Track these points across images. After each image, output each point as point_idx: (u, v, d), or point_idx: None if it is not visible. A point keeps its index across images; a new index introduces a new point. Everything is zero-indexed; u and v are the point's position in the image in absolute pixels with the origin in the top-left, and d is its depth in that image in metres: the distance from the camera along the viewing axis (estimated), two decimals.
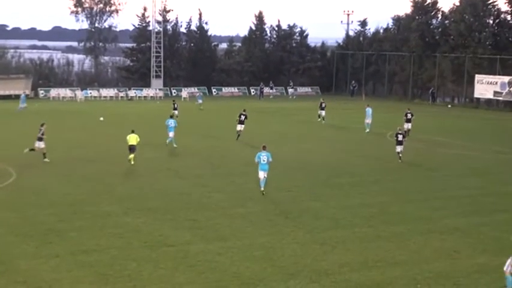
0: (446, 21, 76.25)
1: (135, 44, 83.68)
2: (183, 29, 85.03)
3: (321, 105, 52.83)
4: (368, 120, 46.73)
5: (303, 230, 21.54)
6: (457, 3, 74.48)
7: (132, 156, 32.53)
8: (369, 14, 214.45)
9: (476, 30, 71.25)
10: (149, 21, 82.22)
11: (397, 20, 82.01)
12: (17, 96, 69.15)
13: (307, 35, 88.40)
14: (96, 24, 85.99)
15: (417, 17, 77.25)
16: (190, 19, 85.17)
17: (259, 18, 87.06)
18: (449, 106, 71.65)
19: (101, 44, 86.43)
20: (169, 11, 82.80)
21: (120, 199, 25.59)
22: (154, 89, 76.84)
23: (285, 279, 17.11)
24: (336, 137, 45.46)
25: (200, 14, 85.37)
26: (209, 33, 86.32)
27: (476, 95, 70.71)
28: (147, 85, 78.55)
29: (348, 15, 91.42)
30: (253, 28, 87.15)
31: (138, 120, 52.14)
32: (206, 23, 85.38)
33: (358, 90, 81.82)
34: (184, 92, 75.99)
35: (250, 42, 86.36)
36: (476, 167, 34.61)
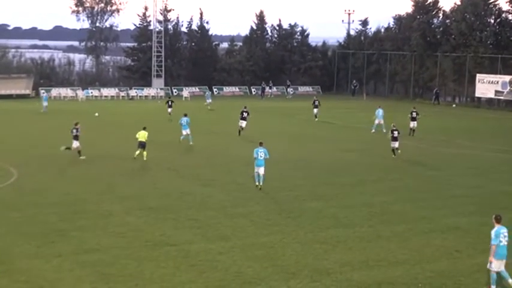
0: (448, 21, 76.24)
1: (136, 44, 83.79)
2: (184, 29, 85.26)
3: (314, 103, 54.61)
4: (378, 121, 46.39)
5: (304, 230, 21.56)
6: (458, 3, 74.46)
7: (141, 152, 33.44)
8: (370, 13, 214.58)
9: (478, 30, 71.20)
10: (150, 21, 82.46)
11: (398, 19, 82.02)
12: (18, 96, 69.43)
13: (308, 35, 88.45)
14: (97, 24, 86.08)
15: (418, 16, 77.24)
16: (191, 18, 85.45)
17: (260, 17, 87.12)
18: (454, 106, 71.50)
19: (102, 43, 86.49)
20: (170, 11, 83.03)
21: (121, 198, 25.62)
22: (156, 89, 76.91)
23: (287, 278, 17.13)
24: (337, 136, 45.47)
25: (201, 14, 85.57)
26: (210, 32, 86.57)
27: (478, 94, 70.70)
28: (148, 84, 78.60)
29: (349, 14, 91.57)
30: (254, 27, 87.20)
31: (139, 120, 52.18)
32: (207, 23, 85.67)
33: (359, 90, 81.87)
34: (185, 92, 76.07)
35: (251, 41, 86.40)
36: (477, 166, 34.61)
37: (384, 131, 45.63)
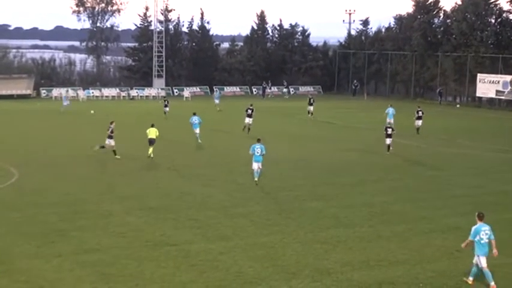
0: (448, 20, 76.17)
1: (137, 44, 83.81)
2: (184, 29, 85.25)
3: (309, 101, 55.40)
4: (389, 120, 46.20)
5: (305, 230, 21.55)
6: (459, 2, 74.36)
7: (151, 149, 33.83)
8: (371, 13, 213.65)
9: (478, 29, 71.14)
10: (151, 21, 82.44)
11: (399, 19, 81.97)
12: (19, 96, 69.44)
13: (309, 34, 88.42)
14: (98, 24, 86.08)
15: (419, 16, 77.17)
16: (192, 18, 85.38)
17: (261, 17, 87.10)
18: (458, 106, 71.32)
19: (102, 43, 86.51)
20: (171, 11, 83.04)
21: (121, 198, 25.62)
22: (156, 89, 76.90)
23: (287, 278, 17.12)
24: (338, 136, 45.44)
25: (202, 14, 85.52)
26: (211, 32, 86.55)
27: (479, 94, 70.61)
28: (149, 84, 78.62)
29: (350, 14, 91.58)
30: (255, 27, 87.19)
31: (139, 120, 52.20)
32: (208, 23, 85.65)
33: (360, 90, 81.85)
34: (186, 92, 76.08)
35: (252, 41, 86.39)
36: (478, 166, 34.58)
37: (394, 131, 45.53)
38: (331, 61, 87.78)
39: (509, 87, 67.03)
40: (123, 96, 75.04)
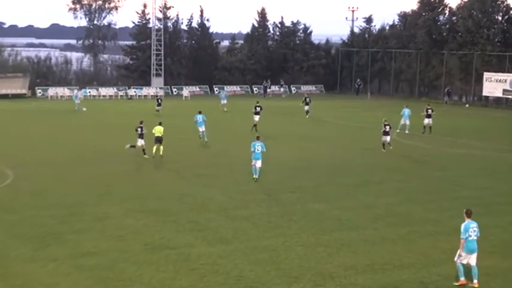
0: (454, 18, 76.15)
1: (134, 42, 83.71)
2: (184, 26, 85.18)
3: (305, 100, 56.08)
4: (404, 121, 46.10)
5: (307, 232, 21.54)
6: None
7: (158, 148, 34.48)
8: (374, 11, 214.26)
9: (485, 27, 71.14)
10: (149, 18, 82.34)
11: (403, 16, 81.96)
12: (14, 96, 69.46)
13: (311, 32, 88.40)
14: (95, 22, 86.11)
15: (424, 13, 77.19)
16: (191, 16, 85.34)
17: (262, 14, 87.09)
18: (467, 106, 71.18)
19: (100, 41, 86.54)
20: (169, 8, 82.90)
21: (120, 200, 25.61)
22: (155, 88, 76.87)
23: (289, 282, 17.12)
24: (341, 136, 45.45)
25: (201, 11, 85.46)
26: (211, 30, 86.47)
27: (485, 93, 70.57)
28: (147, 84, 78.59)
29: (353, 11, 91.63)
30: (256, 25, 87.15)
31: (137, 120, 52.25)
32: (208, 20, 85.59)
33: (363, 89, 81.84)
34: (186, 91, 76.07)
35: (253, 39, 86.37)
36: (485, 166, 34.57)
37: (407, 132, 45.60)
38: (334, 59, 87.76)
39: None
40: (121, 96, 75.04)
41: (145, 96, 75.11)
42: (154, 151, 34.59)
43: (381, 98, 77.23)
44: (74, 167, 32.27)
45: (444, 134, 45.94)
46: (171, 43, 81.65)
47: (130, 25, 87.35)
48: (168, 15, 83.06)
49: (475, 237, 17.00)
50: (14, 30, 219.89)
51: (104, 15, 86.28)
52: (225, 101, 60.12)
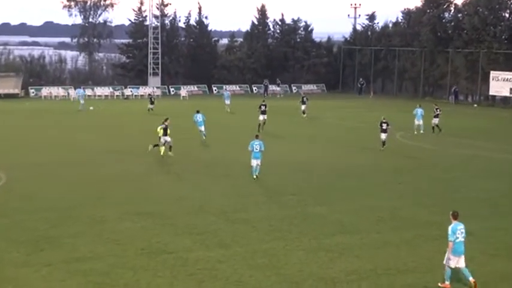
0: (460, 15, 76.09)
1: (131, 40, 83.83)
2: (181, 24, 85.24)
3: (302, 99, 56.58)
4: (418, 122, 46.21)
5: (308, 236, 21.55)
6: None
7: (165, 148, 34.97)
8: (377, 8, 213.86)
9: (492, 24, 71.09)
10: (146, 16, 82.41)
11: (407, 13, 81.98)
12: (7, 96, 69.48)
13: (312, 30, 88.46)
14: (90, 19, 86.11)
15: (428, 10, 77.15)
16: (189, 13, 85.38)
17: (262, 12, 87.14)
18: (475, 106, 71.12)
19: (95, 39, 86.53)
20: (167, 5, 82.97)
21: (116, 203, 25.62)
22: (152, 88, 76.86)
23: (290, 287, 17.15)
24: (343, 136, 45.47)
25: (200, 8, 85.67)
26: (209, 28, 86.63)
27: (492, 92, 70.57)
28: (144, 83, 78.63)
29: (355, 8, 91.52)
30: (256, 22, 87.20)
31: (133, 121, 52.32)
32: (206, 18, 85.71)
33: (366, 88, 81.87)
34: (183, 91, 76.07)
35: (253, 37, 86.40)
36: (491, 168, 34.58)
37: (422, 131, 45.67)
38: (336, 58, 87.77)
39: None
40: (117, 96, 75.03)
41: (142, 96, 75.00)
42: (162, 151, 35.11)
43: (384, 97, 77.28)
44: (68, 169, 32.27)
45: (450, 135, 45.96)
46: (168, 41, 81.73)
47: (127, 23, 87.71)
48: (166, 12, 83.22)
49: (463, 239, 17.20)
50: (7, 28, 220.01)
51: (99, 12, 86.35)
52: (228, 102, 59.44)
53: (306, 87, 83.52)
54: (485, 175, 32.69)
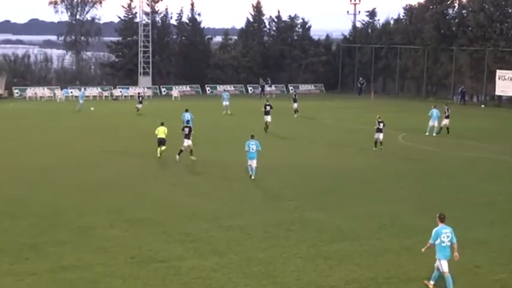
0: (464, 11, 76.25)
1: (120, 38, 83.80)
2: (173, 21, 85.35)
3: (294, 97, 57.69)
4: (433, 123, 46.33)
5: (306, 243, 21.59)
6: None
7: (163, 148, 35.58)
8: (378, 4, 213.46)
9: (498, 21, 71.23)
10: (136, 13, 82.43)
11: (409, 10, 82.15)
12: None
13: (310, 27, 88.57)
14: (78, 16, 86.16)
15: (431, 7, 77.30)
16: (181, 10, 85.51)
17: (257, 8, 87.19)
18: (483, 106, 71.21)
19: (82, 37, 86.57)
20: (158, 1, 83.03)
21: (105, 210, 25.61)
22: (142, 88, 76.80)
23: None
24: (342, 139, 45.50)
25: (192, 5, 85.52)
26: (202, 25, 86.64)
27: (498, 92, 70.65)
28: (134, 83, 78.61)
29: (355, 5, 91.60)
30: (251, 19, 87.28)
31: (123, 122, 52.30)
32: (199, 14, 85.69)
33: (366, 88, 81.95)
34: (175, 91, 76.04)
35: (248, 35, 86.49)
36: (497, 171, 34.66)
37: (435, 134, 45.71)
38: (335, 56, 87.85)
39: None
40: (106, 96, 74.99)
41: (132, 96, 74.91)
42: (159, 152, 35.55)
43: (385, 97, 77.38)
44: (56, 173, 32.27)
45: (454, 137, 46.04)
46: (159, 39, 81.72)
47: (116, 20, 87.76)
48: (157, 9, 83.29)
49: (449, 243, 17.37)
50: None
51: (87, 9, 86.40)
52: (227, 103, 58.24)
53: (304, 87, 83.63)
54: (490, 178, 32.73)
